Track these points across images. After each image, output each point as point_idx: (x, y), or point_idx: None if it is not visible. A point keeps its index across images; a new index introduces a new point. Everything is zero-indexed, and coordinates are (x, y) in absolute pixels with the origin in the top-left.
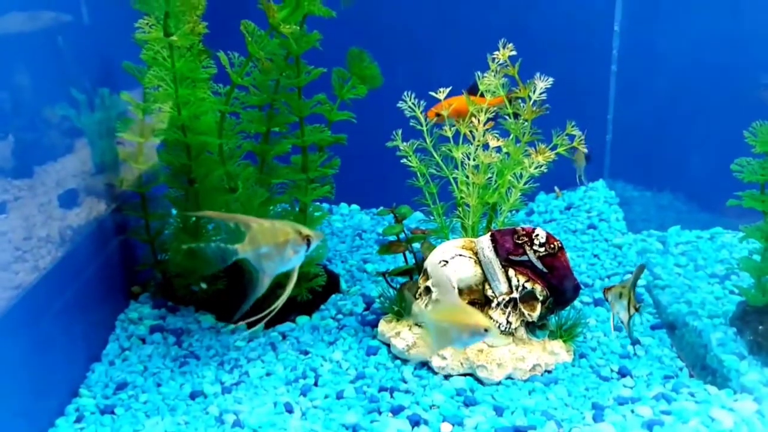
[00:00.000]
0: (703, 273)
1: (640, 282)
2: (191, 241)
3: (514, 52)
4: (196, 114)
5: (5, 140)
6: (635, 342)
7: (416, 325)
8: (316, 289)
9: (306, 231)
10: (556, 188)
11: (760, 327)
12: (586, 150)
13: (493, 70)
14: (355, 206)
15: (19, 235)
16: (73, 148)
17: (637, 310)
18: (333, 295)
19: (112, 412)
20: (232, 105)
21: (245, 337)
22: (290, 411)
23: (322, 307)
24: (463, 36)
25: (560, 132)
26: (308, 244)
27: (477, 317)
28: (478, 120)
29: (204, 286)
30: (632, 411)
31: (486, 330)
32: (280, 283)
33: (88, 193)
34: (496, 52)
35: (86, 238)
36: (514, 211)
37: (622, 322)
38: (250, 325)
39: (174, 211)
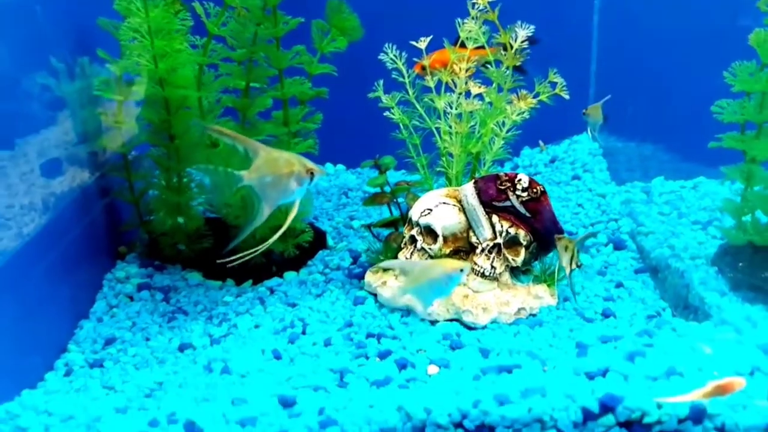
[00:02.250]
0: (686, 220)
1: (624, 229)
2: (176, 199)
3: None
4: (173, 67)
5: None
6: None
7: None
8: (303, 246)
9: (311, 165)
10: (540, 142)
11: (740, 264)
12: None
13: (473, 17)
14: (341, 166)
15: (1, 203)
16: (55, 118)
17: (578, 266)
18: (320, 252)
19: (101, 366)
20: (210, 58)
21: (233, 293)
22: (278, 357)
23: (310, 263)
24: None
25: (542, 80)
26: (311, 178)
27: (448, 263)
28: (460, 68)
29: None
30: (615, 347)
31: (461, 270)
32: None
33: (71, 161)
34: None
35: (70, 203)
36: (497, 164)
37: (563, 270)
38: (238, 282)
39: (157, 171)
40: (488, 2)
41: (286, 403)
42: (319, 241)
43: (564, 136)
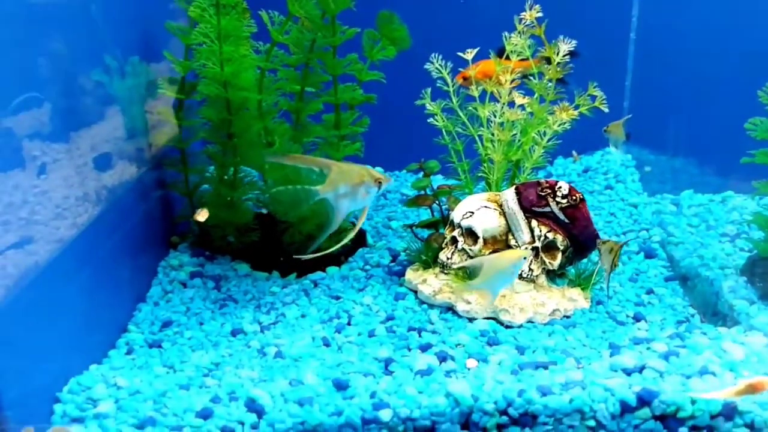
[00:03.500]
0: (714, 232)
1: (655, 238)
2: (229, 194)
3: (540, 14)
4: (237, 70)
5: (42, 107)
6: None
7: (442, 272)
8: (345, 243)
9: (378, 175)
10: (574, 152)
11: None
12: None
13: (519, 31)
14: (379, 168)
15: (58, 194)
16: (107, 114)
17: (616, 266)
18: (360, 249)
19: (160, 346)
20: (272, 63)
21: (279, 284)
22: (327, 345)
23: (351, 259)
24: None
25: (582, 92)
26: (379, 186)
27: (512, 253)
28: (505, 79)
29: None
30: (648, 348)
31: (524, 258)
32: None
33: (122, 155)
34: (523, 13)
35: (124, 194)
36: (536, 171)
37: (604, 271)
38: (283, 274)
39: (212, 167)
40: (535, 18)
41: (340, 386)
42: (359, 239)
43: (597, 147)
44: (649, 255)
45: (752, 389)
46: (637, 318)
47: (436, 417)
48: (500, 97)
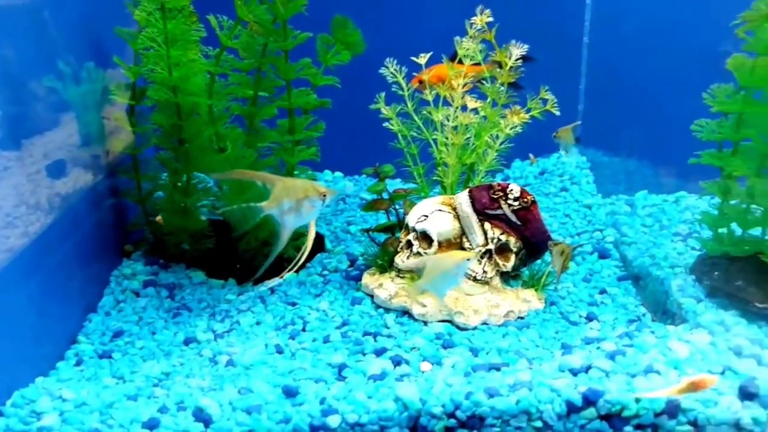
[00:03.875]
0: (667, 232)
1: (609, 239)
2: (182, 200)
3: (491, 18)
4: (186, 75)
5: None
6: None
7: (398, 276)
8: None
9: (322, 188)
10: (531, 155)
11: (716, 273)
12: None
13: (470, 36)
14: (338, 173)
15: (9, 202)
16: (61, 121)
17: (566, 268)
18: (318, 254)
19: (110, 357)
20: (221, 68)
21: (235, 291)
22: (280, 352)
23: (308, 265)
24: (442, 3)
25: (534, 96)
26: (324, 199)
27: (457, 254)
28: (457, 84)
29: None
30: (598, 347)
31: (468, 259)
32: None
33: (76, 162)
34: (474, 18)
35: (77, 202)
36: (491, 174)
37: (554, 271)
38: (240, 283)
39: (165, 173)
40: (486, 23)
41: (290, 393)
42: (317, 244)
43: (553, 150)
44: (603, 255)
45: (694, 387)
46: (590, 318)
47: (384, 422)
48: (453, 101)
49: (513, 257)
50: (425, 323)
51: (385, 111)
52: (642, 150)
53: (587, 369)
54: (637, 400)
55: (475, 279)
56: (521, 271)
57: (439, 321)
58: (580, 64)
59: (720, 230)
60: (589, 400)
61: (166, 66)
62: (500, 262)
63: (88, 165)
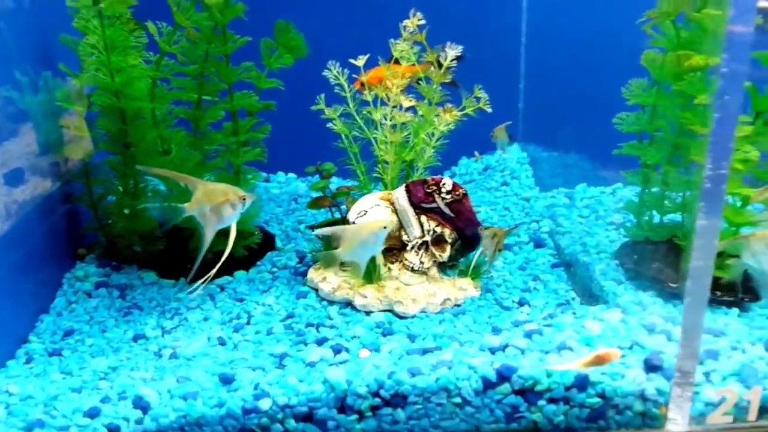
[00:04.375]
0: (602, 222)
1: (544, 229)
2: (133, 204)
3: (422, 21)
4: (128, 80)
5: None
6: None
7: (341, 270)
8: (252, 247)
9: (242, 192)
10: (476, 153)
11: (636, 257)
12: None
13: (404, 39)
14: (292, 174)
15: None
16: (19, 131)
17: (500, 250)
18: (269, 253)
19: (60, 354)
20: (165, 72)
21: (186, 289)
22: (223, 344)
23: (259, 263)
24: (381, 7)
25: (469, 95)
26: (244, 203)
27: (373, 223)
28: (393, 84)
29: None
30: (522, 329)
31: (384, 227)
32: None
33: (34, 170)
34: (406, 21)
35: (32, 209)
36: (434, 171)
37: (486, 256)
38: (192, 282)
39: (115, 177)
40: (417, 25)
41: (226, 380)
42: (268, 243)
43: (497, 147)
44: (538, 245)
45: (600, 360)
46: (521, 303)
47: (312, 403)
48: (389, 101)
49: (448, 248)
50: (367, 313)
51: (328, 112)
52: (580, 145)
53: (504, 347)
54: (549, 374)
55: (413, 269)
56: (459, 261)
57: (380, 311)
58: (519, 64)
59: (641, 217)
60: (503, 376)
61: (108, 72)
62: (436, 253)
63: (45, 172)
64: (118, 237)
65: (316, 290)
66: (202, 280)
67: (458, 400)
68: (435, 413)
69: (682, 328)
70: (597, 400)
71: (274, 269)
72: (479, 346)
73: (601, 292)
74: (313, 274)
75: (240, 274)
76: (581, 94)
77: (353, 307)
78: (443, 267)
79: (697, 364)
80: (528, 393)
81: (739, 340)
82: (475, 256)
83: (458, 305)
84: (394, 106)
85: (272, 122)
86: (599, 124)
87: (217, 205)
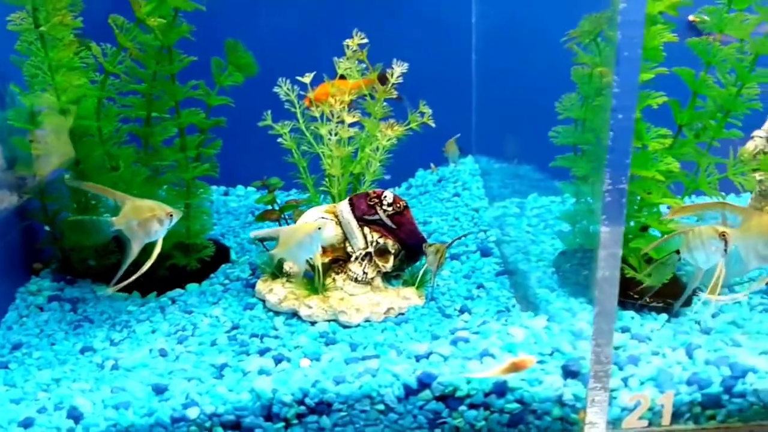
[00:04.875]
0: (550, 230)
1: (492, 238)
2: (84, 218)
3: (365, 40)
4: (74, 99)
5: None
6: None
7: (288, 281)
8: (205, 260)
9: (168, 209)
10: (432, 164)
11: (569, 265)
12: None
13: (347, 57)
14: (251, 188)
15: None
16: None
17: (441, 265)
18: (223, 265)
19: (6, 367)
20: (109, 92)
21: (138, 303)
22: (164, 355)
23: (212, 275)
24: (331, 28)
25: (414, 110)
26: (171, 219)
27: (308, 225)
28: (336, 100)
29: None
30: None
31: (319, 228)
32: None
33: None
34: (348, 40)
35: None
36: (375, 183)
37: (431, 270)
38: (144, 294)
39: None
40: (358, 44)
41: (159, 390)
42: (223, 255)
43: (449, 161)
44: (485, 254)
45: (515, 367)
46: (462, 311)
47: (239, 411)
48: (332, 117)
49: (392, 258)
50: (312, 323)
51: (277, 127)
52: (529, 156)
53: (428, 355)
54: (468, 381)
55: (356, 280)
56: (404, 271)
57: (324, 320)
58: (471, 80)
59: (576, 225)
60: (424, 383)
61: (54, 91)
62: (380, 264)
63: (13, 187)
64: (72, 251)
65: (264, 301)
66: (113, 283)
67: (381, 407)
68: (360, 420)
69: (593, 336)
70: (516, 405)
71: (227, 281)
72: (405, 354)
73: (535, 299)
74: (261, 286)
75: (192, 286)
76: (529, 107)
77: (299, 318)
78: (388, 277)
79: (611, 369)
80: (449, 399)
81: (662, 345)
82: (421, 271)
83: (402, 314)
84: (339, 122)
85: (232, 137)
86: (546, 136)
87: (144, 221)
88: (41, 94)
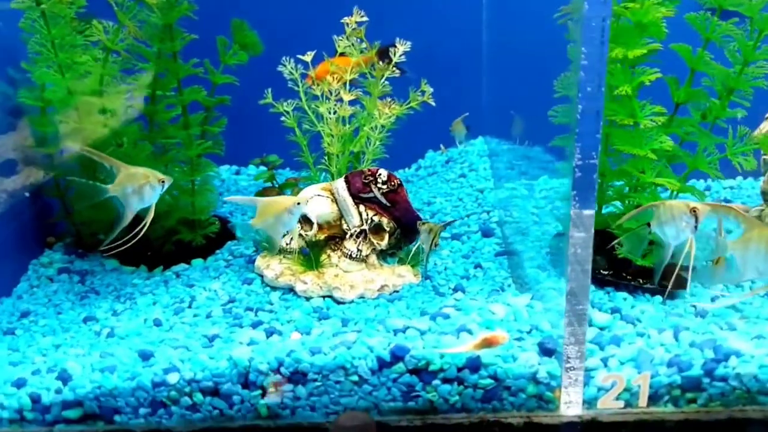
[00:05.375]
0: (557, 212)
1: (494, 219)
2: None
3: (364, 18)
4: (78, 76)
5: None
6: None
7: (285, 257)
8: (211, 236)
9: (160, 175)
10: (441, 146)
11: (562, 246)
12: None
13: (347, 35)
14: (263, 168)
15: None
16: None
17: (436, 245)
18: (229, 242)
19: (13, 333)
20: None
21: (144, 276)
22: (158, 325)
23: (217, 252)
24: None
25: (416, 90)
26: (162, 185)
27: (288, 199)
28: (333, 78)
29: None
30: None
31: (298, 203)
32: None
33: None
34: (346, 18)
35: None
36: (376, 161)
37: (423, 250)
38: (151, 267)
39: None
40: (356, 22)
41: (145, 357)
42: (229, 232)
43: (455, 141)
44: (487, 234)
45: (487, 343)
46: (456, 289)
47: (217, 378)
48: (330, 96)
49: (387, 236)
50: (307, 299)
51: (277, 106)
52: (540, 137)
53: (405, 329)
54: (441, 356)
55: (351, 257)
56: (402, 249)
57: (319, 296)
58: (481, 61)
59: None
60: (397, 356)
61: (58, 68)
62: (375, 241)
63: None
64: (83, 225)
65: (262, 277)
66: (104, 245)
67: (355, 378)
68: (334, 390)
69: (566, 315)
70: (490, 381)
71: (230, 257)
72: (384, 328)
73: (527, 279)
74: (260, 262)
75: (197, 261)
76: (539, 86)
77: (295, 293)
78: (384, 255)
79: (584, 348)
80: (422, 373)
81: (651, 326)
82: (413, 248)
83: (396, 291)
84: (338, 100)
85: (244, 117)
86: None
87: (138, 187)
88: (46, 71)
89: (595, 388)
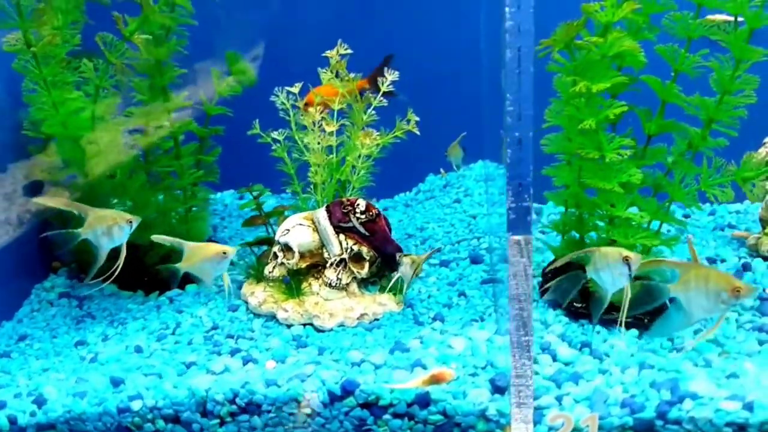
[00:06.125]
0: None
1: (484, 245)
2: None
3: (349, 51)
4: (71, 112)
5: None
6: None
7: (268, 285)
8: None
9: (128, 216)
10: (441, 170)
11: (549, 275)
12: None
13: (331, 67)
14: (267, 193)
15: None
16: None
17: (418, 275)
18: None
19: (9, 356)
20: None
21: (139, 301)
22: (139, 351)
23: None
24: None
25: (401, 119)
26: (130, 225)
27: (216, 247)
28: (315, 109)
29: None
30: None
31: (225, 253)
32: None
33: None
34: (329, 52)
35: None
36: (363, 189)
37: (404, 281)
38: (147, 292)
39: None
40: (339, 55)
41: (115, 383)
42: None
43: (452, 165)
44: (476, 261)
45: (435, 379)
46: (436, 318)
47: (177, 406)
48: (314, 127)
49: (367, 265)
50: (288, 326)
51: (264, 136)
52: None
53: (361, 363)
54: (391, 391)
55: (330, 285)
56: (386, 276)
57: (300, 324)
58: (481, 85)
59: (565, 235)
60: (347, 390)
61: (52, 105)
62: (355, 270)
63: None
64: (82, 252)
65: (247, 303)
66: (87, 279)
67: (308, 411)
68: (289, 422)
69: (511, 349)
70: (439, 417)
71: (222, 284)
72: (344, 360)
73: (499, 308)
74: (245, 289)
75: (191, 287)
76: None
77: (277, 321)
78: (366, 283)
79: (532, 385)
80: (373, 407)
81: (618, 363)
82: (393, 279)
83: (377, 319)
84: (322, 130)
85: (246, 144)
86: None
87: (107, 228)
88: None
89: (546, 427)
